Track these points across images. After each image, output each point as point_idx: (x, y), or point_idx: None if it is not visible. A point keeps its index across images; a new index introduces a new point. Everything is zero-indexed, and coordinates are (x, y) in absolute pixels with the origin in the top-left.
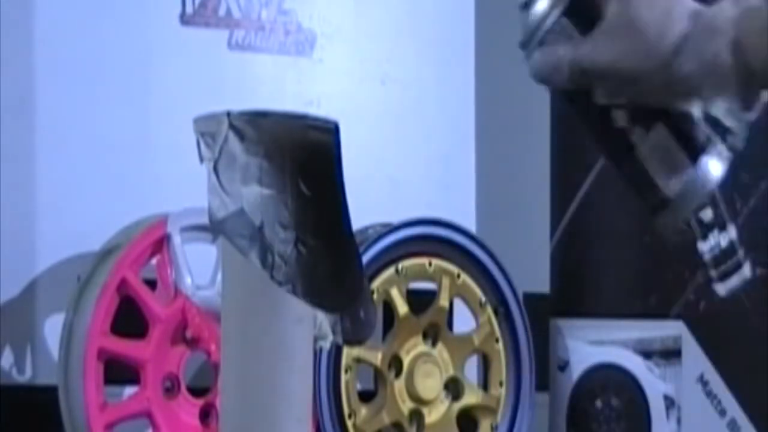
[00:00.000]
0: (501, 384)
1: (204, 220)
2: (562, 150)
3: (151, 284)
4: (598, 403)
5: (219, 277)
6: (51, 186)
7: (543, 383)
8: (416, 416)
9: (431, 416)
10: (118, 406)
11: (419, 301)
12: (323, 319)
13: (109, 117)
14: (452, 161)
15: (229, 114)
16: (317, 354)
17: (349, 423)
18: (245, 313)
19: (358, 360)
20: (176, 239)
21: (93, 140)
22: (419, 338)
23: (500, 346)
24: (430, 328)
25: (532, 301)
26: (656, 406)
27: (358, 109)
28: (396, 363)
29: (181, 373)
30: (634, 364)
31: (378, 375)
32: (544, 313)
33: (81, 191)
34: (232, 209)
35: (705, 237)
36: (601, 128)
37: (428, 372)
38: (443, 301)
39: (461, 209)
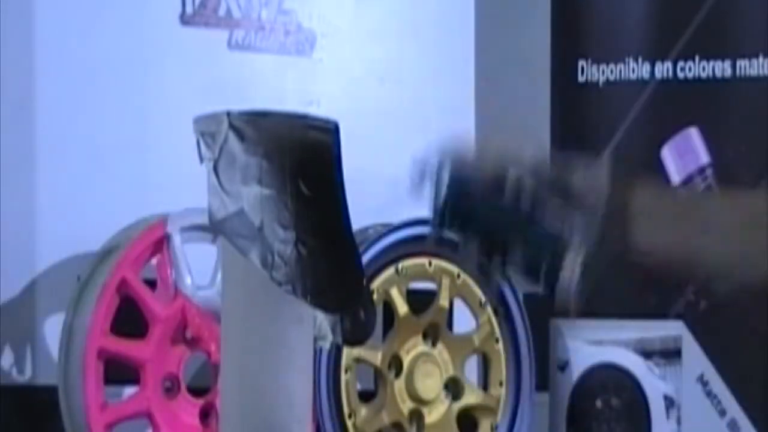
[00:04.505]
0: (501, 384)
1: (204, 220)
2: (562, 150)
3: (151, 284)
4: (598, 403)
5: (219, 277)
6: (51, 186)
7: (543, 383)
8: (416, 416)
9: (431, 416)
10: (118, 406)
11: (419, 301)
12: (323, 319)
13: (109, 117)
14: None
15: (229, 114)
16: (317, 354)
17: (349, 423)
18: (245, 313)
19: (358, 360)
20: (176, 239)
21: (93, 140)
22: (419, 338)
23: (500, 346)
24: (430, 328)
25: (532, 301)
26: (656, 406)
27: (358, 109)
28: (396, 363)
29: (181, 373)
30: (634, 364)
31: (378, 375)
32: (544, 313)
33: (81, 191)
34: (232, 209)
35: None
36: None
37: (428, 372)
38: (443, 301)
39: None
